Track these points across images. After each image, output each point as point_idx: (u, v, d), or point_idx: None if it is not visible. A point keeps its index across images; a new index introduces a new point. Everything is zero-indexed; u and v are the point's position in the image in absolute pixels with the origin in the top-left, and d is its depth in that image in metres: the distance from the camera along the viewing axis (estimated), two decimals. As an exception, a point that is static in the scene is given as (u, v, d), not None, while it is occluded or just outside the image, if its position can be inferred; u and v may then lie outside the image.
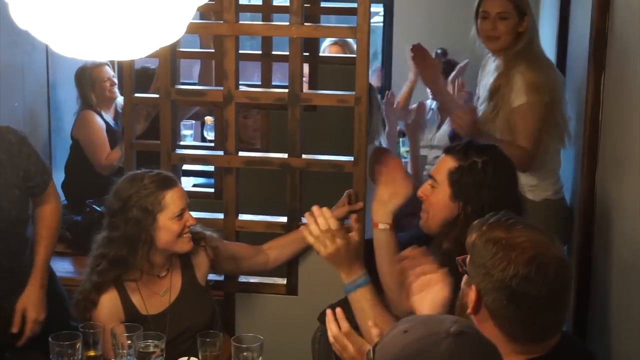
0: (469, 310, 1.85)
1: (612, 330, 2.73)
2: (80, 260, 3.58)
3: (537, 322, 1.80)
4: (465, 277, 1.90)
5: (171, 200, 2.66)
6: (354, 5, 3.05)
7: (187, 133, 5.18)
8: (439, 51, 5.21)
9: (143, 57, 1.77)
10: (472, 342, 1.50)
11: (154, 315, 2.74)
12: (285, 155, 3.12)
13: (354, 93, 3.04)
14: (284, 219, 3.17)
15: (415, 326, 1.54)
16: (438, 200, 2.53)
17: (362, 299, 2.47)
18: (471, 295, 1.84)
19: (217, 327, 2.82)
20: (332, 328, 2.18)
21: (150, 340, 2.49)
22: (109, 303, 2.69)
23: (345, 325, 2.16)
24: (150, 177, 2.68)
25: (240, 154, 3.16)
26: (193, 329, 2.73)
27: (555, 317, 1.82)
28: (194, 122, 5.45)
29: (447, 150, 2.58)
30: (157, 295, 2.77)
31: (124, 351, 2.49)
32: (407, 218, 3.09)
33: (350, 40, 4.95)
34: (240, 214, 3.18)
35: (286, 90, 3.07)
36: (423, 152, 5.20)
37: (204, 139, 5.26)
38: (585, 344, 2.59)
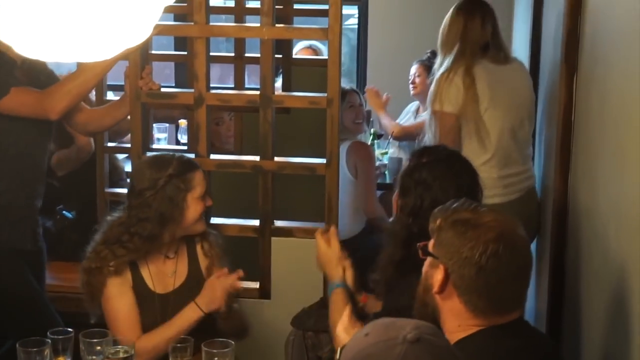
0: (435, 290, 1.93)
1: (584, 333, 2.73)
2: (53, 266, 3.54)
3: (503, 295, 1.90)
4: (428, 260, 1.98)
5: (198, 181, 2.79)
6: (327, 7, 3.04)
7: (161, 136, 5.14)
8: (428, 53, 5.24)
9: (108, 58, 1.75)
10: (427, 350, 1.49)
11: (160, 294, 2.82)
12: (257, 158, 3.10)
13: (325, 95, 3.02)
14: (256, 222, 3.15)
15: (375, 329, 1.55)
16: (394, 200, 2.61)
17: (338, 299, 2.65)
18: (437, 276, 1.92)
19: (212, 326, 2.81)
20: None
21: (119, 347, 2.45)
22: (121, 275, 2.76)
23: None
24: (178, 158, 2.80)
25: (212, 156, 3.13)
26: None
27: (519, 290, 1.94)
28: (167, 125, 5.42)
29: (411, 152, 2.67)
30: (164, 275, 2.85)
31: (93, 357, 2.45)
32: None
33: (319, 45, 4.98)
34: (212, 217, 3.15)
35: (258, 93, 3.05)
36: (396, 154, 5.23)
37: (178, 142, 5.23)
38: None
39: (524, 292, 1.95)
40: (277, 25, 3.06)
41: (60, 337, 2.52)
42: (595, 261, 2.62)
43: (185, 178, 2.76)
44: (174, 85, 5.52)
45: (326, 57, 3.07)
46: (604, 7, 2.70)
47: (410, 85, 5.26)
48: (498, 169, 3.48)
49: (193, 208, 2.78)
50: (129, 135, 4.46)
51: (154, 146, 4.11)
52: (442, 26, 3.65)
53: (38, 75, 3.17)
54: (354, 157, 4.19)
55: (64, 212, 4.12)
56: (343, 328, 2.25)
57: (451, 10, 3.63)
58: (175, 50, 5.35)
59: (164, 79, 5.40)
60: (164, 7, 1.75)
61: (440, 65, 3.57)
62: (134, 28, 1.70)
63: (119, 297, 2.75)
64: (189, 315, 2.74)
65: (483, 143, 3.48)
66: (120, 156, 4.32)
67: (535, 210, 3.66)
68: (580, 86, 2.96)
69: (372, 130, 5.38)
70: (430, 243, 1.98)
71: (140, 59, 3.06)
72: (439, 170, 2.48)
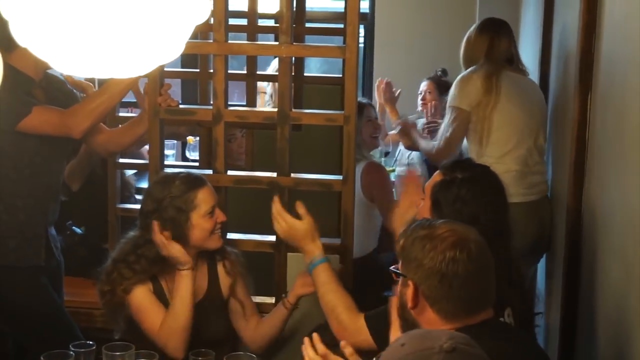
0: (409, 305, 2.04)
1: (599, 350, 2.75)
2: (65, 281, 3.55)
3: (469, 297, 2.02)
4: (400, 280, 2.10)
5: (202, 199, 2.77)
6: (340, 25, 3.07)
7: (169, 153, 5.16)
8: (439, 71, 5.30)
9: (142, 75, 1.78)
10: (463, 359, 1.52)
11: None
12: (274, 174, 3.13)
13: (342, 112, 3.05)
14: (272, 238, 3.17)
15: (411, 340, 1.59)
16: (422, 213, 2.61)
17: (318, 276, 2.71)
18: (409, 292, 2.04)
19: (229, 344, 2.82)
20: (308, 353, 2.25)
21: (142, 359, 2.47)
22: (141, 288, 2.78)
23: (321, 347, 2.24)
24: (181, 177, 2.80)
25: (229, 172, 3.16)
26: (208, 337, 2.79)
27: (483, 290, 2.05)
28: (175, 142, 5.45)
29: (441, 166, 2.66)
30: None
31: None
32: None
33: None
34: (228, 233, 3.17)
35: (275, 110, 3.08)
36: (403, 172, 5.25)
37: (185, 159, 5.25)
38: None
39: (489, 291, 2.06)
40: (294, 43, 3.09)
41: (83, 350, 2.54)
42: (613, 277, 2.64)
43: (186, 198, 2.75)
44: (180, 102, 5.55)
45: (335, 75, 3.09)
46: (619, 27, 2.74)
47: (420, 102, 5.29)
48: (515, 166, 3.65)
49: (200, 227, 2.77)
50: (138, 150, 4.54)
51: (165, 163, 4.13)
52: (465, 43, 3.86)
53: (56, 94, 3.20)
54: (368, 179, 4.19)
55: (73, 227, 4.14)
56: (345, 344, 2.26)
57: (474, 29, 3.85)
58: (182, 67, 5.38)
59: (171, 95, 5.41)
60: (195, 25, 1.79)
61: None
62: (168, 45, 1.73)
63: (138, 297, 2.76)
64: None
65: (497, 142, 3.68)
66: (128, 171, 4.34)
67: (549, 217, 3.75)
68: (595, 106, 3.00)
69: (380, 148, 5.41)
70: (399, 264, 2.10)
71: (159, 75, 3.09)
72: (478, 187, 2.52)
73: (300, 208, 2.80)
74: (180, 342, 2.68)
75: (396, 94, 5.34)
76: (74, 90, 3.38)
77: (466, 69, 3.80)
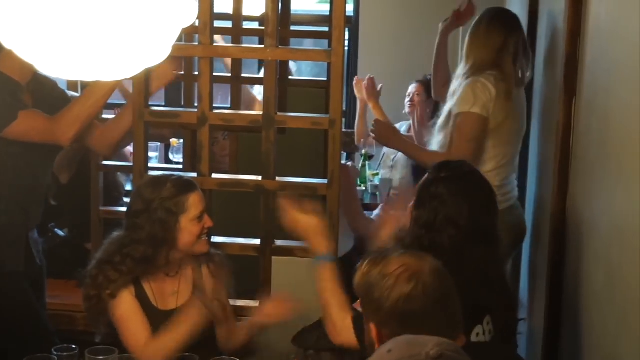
0: (376, 346, 1.94)
1: (584, 357, 2.75)
2: (47, 283, 3.53)
3: (431, 330, 1.87)
4: (364, 317, 2.08)
5: (193, 203, 2.77)
6: (325, 29, 3.07)
7: (152, 155, 5.15)
8: (428, 76, 5.26)
9: (128, 77, 1.77)
10: None
11: (164, 311, 2.82)
12: (259, 178, 3.12)
13: (328, 116, 3.05)
14: (257, 241, 3.16)
15: (398, 347, 1.59)
16: (409, 211, 2.63)
17: (321, 272, 2.64)
18: (372, 334, 2.01)
19: (209, 345, 2.81)
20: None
21: (126, 364, 2.46)
22: (126, 294, 2.76)
23: None
24: (173, 180, 2.79)
25: (214, 176, 3.15)
26: (194, 338, 2.74)
27: (448, 317, 1.99)
28: (158, 144, 5.43)
29: (432, 166, 2.67)
30: (166, 293, 2.84)
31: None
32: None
33: None
34: (213, 236, 3.16)
35: (260, 113, 3.07)
36: (387, 175, 5.25)
37: (168, 161, 5.24)
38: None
39: (454, 317, 2.01)
40: (280, 47, 3.09)
41: (65, 354, 2.52)
42: (597, 283, 2.65)
43: (178, 201, 2.74)
44: (164, 104, 5.53)
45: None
46: (605, 33, 2.74)
47: (407, 103, 5.26)
48: (500, 178, 3.56)
49: (188, 230, 2.76)
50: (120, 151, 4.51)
51: (149, 165, 4.12)
52: (472, 33, 3.59)
53: (45, 97, 3.16)
54: None
55: (55, 229, 4.11)
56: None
57: (487, 19, 3.57)
58: (167, 69, 5.36)
59: (154, 98, 5.39)
60: (182, 28, 1.78)
61: (468, 72, 3.55)
62: (154, 48, 1.72)
63: (122, 305, 2.74)
64: (195, 312, 2.72)
65: (496, 152, 3.55)
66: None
67: (521, 219, 3.75)
68: (579, 110, 3.01)
69: (362, 152, 5.42)
70: (360, 302, 2.11)
71: (144, 77, 3.07)
72: (455, 187, 2.52)
73: (308, 205, 2.74)
74: None
75: (378, 89, 5.30)
76: (66, 92, 3.35)
77: (471, 62, 3.55)
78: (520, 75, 3.63)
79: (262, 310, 2.90)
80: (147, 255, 2.74)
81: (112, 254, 2.76)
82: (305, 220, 2.70)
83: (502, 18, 3.60)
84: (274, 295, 3.00)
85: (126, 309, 2.75)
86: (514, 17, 3.64)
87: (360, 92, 5.24)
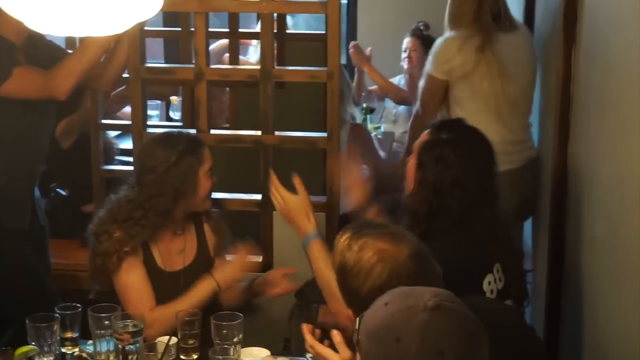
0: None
1: (585, 307, 2.76)
2: (50, 243, 3.54)
3: None
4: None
5: (206, 155, 2.82)
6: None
7: (153, 113, 5.12)
8: (420, 25, 5.21)
9: (119, 32, 1.75)
10: (449, 316, 1.52)
11: (170, 272, 2.83)
12: (258, 133, 3.10)
13: (326, 69, 3.03)
14: (258, 197, 3.16)
15: (394, 299, 1.58)
16: (409, 172, 2.60)
17: (312, 252, 2.63)
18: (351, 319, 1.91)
19: (213, 303, 2.82)
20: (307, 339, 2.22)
21: (128, 320, 2.46)
22: (134, 261, 2.76)
23: (309, 338, 2.21)
24: (186, 135, 2.85)
25: (212, 131, 3.14)
26: None
27: None
28: (159, 102, 5.40)
29: (430, 125, 2.64)
30: (172, 253, 2.85)
31: (102, 332, 2.46)
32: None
33: None
34: (213, 193, 3.15)
35: (258, 67, 3.05)
36: (389, 128, 5.23)
37: (169, 119, 5.22)
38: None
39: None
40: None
41: (68, 312, 2.53)
42: (598, 233, 2.64)
43: (196, 152, 2.78)
44: (163, 61, 5.50)
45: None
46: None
47: (405, 59, 5.23)
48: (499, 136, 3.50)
49: (204, 183, 2.80)
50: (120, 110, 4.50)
51: (148, 123, 4.10)
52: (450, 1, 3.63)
53: (40, 54, 3.13)
54: (355, 140, 4.22)
55: (57, 189, 4.11)
56: (336, 332, 2.22)
57: None
58: (165, 26, 5.32)
59: (152, 55, 5.36)
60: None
61: (447, 26, 3.62)
62: (145, 2, 1.70)
63: (130, 271, 2.74)
64: (205, 288, 2.74)
65: (481, 110, 3.52)
66: (111, 133, 4.29)
67: (534, 181, 3.68)
68: (579, 58, 2.98)
69: (364, 105, 5.39)
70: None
71: (140, 34, 3.05)
72: (461, 149, 2.49)
73: (297, 182, 2.76)
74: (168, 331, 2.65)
75: (367, 53, 5.27)
76: (60, 46, 3.32)
77: (452, 27, 3.61)
78: (507, 24, 3.61)
79: (265, 282, 2.89)
80: (169, 207, 2.75)
81: (131, 210, 2.75)
82: (292, 201, 2.71)
83: None
84: (277, 270, 2.98)
85: (131, 278, 2.74)
86: None
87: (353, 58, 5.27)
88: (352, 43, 5.33)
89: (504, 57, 3.54)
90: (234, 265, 2.79)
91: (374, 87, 5.44)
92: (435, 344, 1.49)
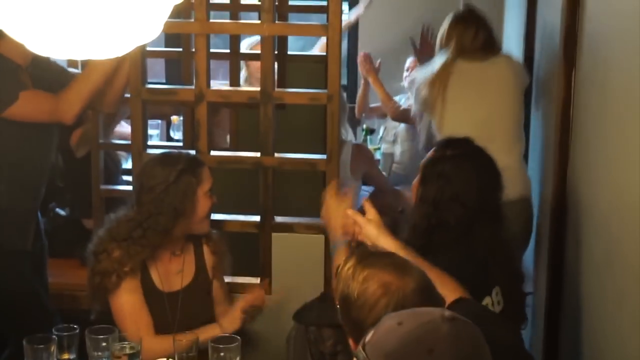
0: None
1: (584, 330, 2.75)
2: (50, 262, 3.53)
3: None
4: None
5: (206, 175, 2.83)
6: (323, 3, 3.05)
7: (153, 133, 5.13)
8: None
9: (120, 55, 1.76)
10: (464, 325, 1.53)
11: (168, 293, 2.83)
12: (258, 154, 3.11)
13: (326, 91, 3.03)
14: (257, 218, 3.16)
15: (406, 318, 1.55)
16: (413, 188, 2.63)
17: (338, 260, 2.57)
18: (353, 347, 1.87)
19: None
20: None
21: (126, 342, 2.46)
22: (132, 282, 2.77)
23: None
24: (185, 155, 2.87)
25: (212, 153, 3.14)
26: (198, 319, 2.79)
27: None
28: (160, 121, 5.41)
29: (437, 143, 2.69)
30: (171, 274, 2.86)
31: (99, 353, 2.46)
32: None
33: None
34: (212, 214, 3.15)
35: (258, 89, 3.06)
36: (388, 149, 5.23)
37: (169, 139, 5.22)
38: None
39: None
40: (277, 22, 3.06)
41: (66, 334, 2.52)
42: (596, 258, 2.64)
43: (195, 172, 2.79)
44: (165, 82, 5.51)
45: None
46: (604, 5, 2.72)
47: (407, 78, 5.24)
48: None
49: (203, 203, 2.80)
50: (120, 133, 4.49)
51: (149, 143, 4.10)
52: (440, 33, 3.76)
53: (45, 75, 3.13)
54: (358, 160, 4.26)
55: (57, 209, 4.11)
56: None
57: (450, 19, 3.74)
58: (166, 46, 5.33)
59: (154, 75, 5.38)
60: (174, 4, 1.76)
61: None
62: (146, 25, 1.71)
63: (127, 295, 2.75)
64: (209, 333, 2.68)
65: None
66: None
67: (527, 220, 3.61)
68: (579, 83, 2.98)
69: (364, 126, 5.39)
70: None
71: (141, 56, 3.06)
72: (461, 165, 2.51)
73: (346, 194, 2.67)
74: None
75: (377, 64, 5.28)
76: (67, 69, 3.32)
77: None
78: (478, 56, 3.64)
79: (246, 299, 2.90)
80: (168, 227, 2.75)
81: (131, 230, 2.76)
82: (334, 210, 2.61)
83: (460, 17, 3.74)
84: (251, 288, 3.00)
85: (129, 301, 2.75)
86: (472, 16, 3.75)
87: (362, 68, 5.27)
88: (362, 52, 5.34)
89: (463, 85, 3.60)
90: (241, 313, 2.81)
91: (376, 104, 5.43)
92: (467, 349, 1.49)
